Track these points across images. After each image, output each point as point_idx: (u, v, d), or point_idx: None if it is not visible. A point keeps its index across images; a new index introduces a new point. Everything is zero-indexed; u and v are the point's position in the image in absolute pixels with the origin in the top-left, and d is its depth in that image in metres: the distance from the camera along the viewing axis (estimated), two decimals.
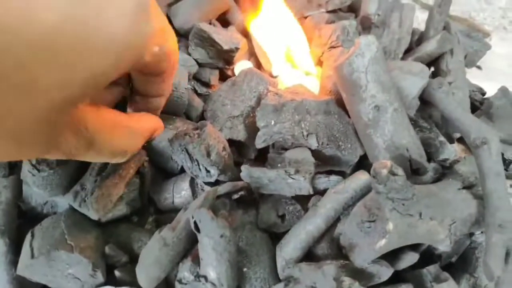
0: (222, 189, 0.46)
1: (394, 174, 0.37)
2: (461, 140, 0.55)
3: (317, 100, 0.46)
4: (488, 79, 0.72)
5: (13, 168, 0.49)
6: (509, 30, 0.73)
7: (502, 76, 0.74)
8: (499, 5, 0.72)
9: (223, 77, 0.56)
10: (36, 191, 0.43)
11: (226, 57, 0.52)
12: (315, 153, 0.46)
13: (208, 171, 0.45)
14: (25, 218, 0.47)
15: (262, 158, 0.49)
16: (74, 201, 0.41)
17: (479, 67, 0.74)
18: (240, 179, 0.46)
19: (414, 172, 0.46)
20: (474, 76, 0.70)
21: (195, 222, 0.37)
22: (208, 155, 0.44)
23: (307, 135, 0.46)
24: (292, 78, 0.53)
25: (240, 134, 0.49)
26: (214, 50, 0.52)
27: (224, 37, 0.51)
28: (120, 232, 0.44)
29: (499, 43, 0.74)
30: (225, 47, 0.51)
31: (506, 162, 0.55)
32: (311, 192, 0.43)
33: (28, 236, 0.41)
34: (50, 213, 0.47)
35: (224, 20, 0.61)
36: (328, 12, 0.60)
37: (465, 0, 0.73)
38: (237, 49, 0.51)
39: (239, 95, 0.50)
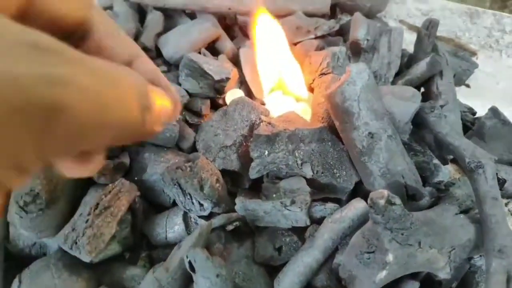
0: (216, 221, 0.45)
1: (391, 203, 0.37)
2: (454, 161, 0.55)
3: (310, 128, 0.46)
4: (477, 97, 0.73)
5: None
6: (495, 48, 0.75)
7: (490, 93, 0.74)
8: (484, 24, 0.74)
9: (215, 106, 0.56)
10: (24, 233, 0.41)
11: (217, 87, 0.52)
12: (310, 181, 0.45)
13: (201, 205, 0.44)
14: (12, 260, 0.45)
15: (256, 186, 0.48)
16: (64, 243, 0.39)
17: (467, 85, 0.74)
18: (234, 210, 0.45)
19: (410, 197, 0.45)
20: (463, 95, 0.71)
21: (190, 262, 0.36)
22: (201, 188, 0.43)
23: (302, 164, 0.45)
24: (283, 105, 0.53)
25: (233, 164, 0.48)
26: (205, 80, 0.51)
27: (215, 67, 0.51)
28: (112, 271, 0.43)
29: (486, 61, 0.75)
30: (216, 77, 0.50)
31: (500, 182, 0.55)
32: (308, 224, 0.42)
33: (16, 281, 0.40)
34: (39, 254, 0.45)
35: (213, 49, 0.61)
36: (317, 37, 0.60)
37: (451, 20, 0.74)
38: (227, 79, 0.51)
39: (231, 124, 0.50)
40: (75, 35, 0.23)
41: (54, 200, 0.41)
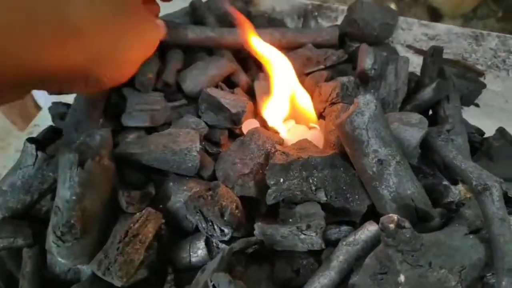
0: (237, 245, 0.48)
1: (401, 227, 0.39)
2: None
3: (322, 156, 0.49)
4: (487, 116, 0.75)
5: (37, 236, 0.52)
6: (502, 68, 0.77)
7: (499, 112, 0.76)
8: (490, 46, 0.76)
9: (232, 136, 0.59)
10: (61, 261, 0.45)
11: (234, 119, 0.55)
12: (325, 206, 0.48)
13: (222, 231, 0.47)
14: (49, 286, 0.49)
15: (273, 211, 0.51)
16: (98, 269, 0.43)
17: (477, 105, 0.76)
18: (253, 233, 0.48)
19: (420, 220, 0.47)
20: (472, 115, 0.73)
21: (213, 286, 0.39)
22: (222, 215, 0.46)
23: (316, 190, 0.48)
24: (297, 133, 0.56)
25: (251, 190, 0.51)
26: (222, 113, 0.55)
27: (231, 101, 0.55)
28: None
29: (493, 81, 0.77)
30: (233, 110, 0.54)
31: (510, 201, 0.57)
32: (323, 247, 0.45)
33: None
34: (74, 279, 0.49)
35: (229, 81, 0.65)
36: (326, 68, 0.63)
37: (456, 43, 0.77)
38: (243, 112, 0.55)
39: (248, 153, 0.53)
40: None
41: (87, 229, 0.45)
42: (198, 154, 0.51)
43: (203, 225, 0.47)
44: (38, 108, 1.22)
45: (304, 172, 0.48)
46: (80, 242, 0.44)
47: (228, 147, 0.56)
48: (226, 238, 0.48)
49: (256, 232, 0.46)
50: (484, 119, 0.72)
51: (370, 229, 0.45)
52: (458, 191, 0.52)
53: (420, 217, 0.47)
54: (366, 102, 0.45)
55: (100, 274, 0.43)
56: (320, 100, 0.57)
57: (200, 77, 0.60)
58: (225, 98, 0.55)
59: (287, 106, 0.57)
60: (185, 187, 0.52)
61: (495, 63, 0.77)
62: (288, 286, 0.46)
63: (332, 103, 0.56)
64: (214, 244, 0.50)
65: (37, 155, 0.54)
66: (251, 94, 0.63)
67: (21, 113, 1.37)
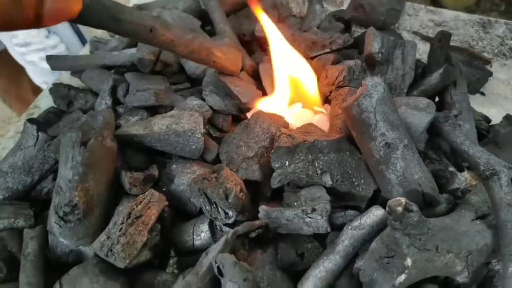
0: (240, 229, 0.47)
1: (409, 210, 0.39)
2: (471, 167, 0.56)
3: (328, 139, 0.48)
4: (492, 104, 0.74)
5: (38, 217, 0.51)
6: (509, 56, 0.76)
7: (505, 101, 0.75)
8: (497, 33, 0.75)
9: (236, 119, 0.58)
10: (63, 241, 0.44)
11: (242, 107, 0.54)
12: (330, 190, 0.47)
13: (226, 213, 0.47)
14: (51, 267, 0.48)
15: (278, 195, 0.51)
16: (100, 250, 0.42)
17: (482, 93, 0.75)
18: (257, 217, 0.47)
19: (427, 205, 0.47)
20: (478, 102, 0.72)
21: (218, 267, 0.38)
22: (226, 198, 0.46)
23: (321, 173, 0.47)
24: (302, 117, 0.55)
25: (255, 174, 0.50)
26: (231, 100, 0.54)
27: (242, 89, 0.54)
28: (144, 277, 0.46)
29: (500, 69, 0.76)
30: (244, 100, 0.53)
31: None
32: (329, 231, 0.44)
33: (57, 286, 0.43)
34: (75, 261, 0.48)
35: None
36: (332, 51, 0.62)
37: (464, 30, 0.76)
38: None
39: (252, 136, 0.52)
40: None
41: (90, 210, 0.44)
42: (202, 136, 0.51)
43: (207, 208, 0.47)
44: (35, 91, 1.21)
45: (309, 156, 0.47)
46: (82, 223, 0.44)
47: (232, 130, 0.55)
48: (230, 221, 0.47)
49: (260, 215, 0.46)
50: (490, 107, 0.72)
51: (376, 213, 0.45)
52: (464, 178, 0.52)
53: (427, 202, 0.46)
54: (375, 84, 0.45)
55: (103, 255, 0.42)
56: (327, 83, 0.56)
57: None
58: (235, 84, 0.54)
59: (293, 89, 0.56)
60: (188, 170, 0.51)
61: (502, 51, 0.76)
62: (293, 269, 0.46)
63: (339, 87, 0.55)
64: (218, 227, 0.49)
65: (38, 135, 0.54)
66: (255, 78, 0.62)
67: (17, 96, 1.36)
